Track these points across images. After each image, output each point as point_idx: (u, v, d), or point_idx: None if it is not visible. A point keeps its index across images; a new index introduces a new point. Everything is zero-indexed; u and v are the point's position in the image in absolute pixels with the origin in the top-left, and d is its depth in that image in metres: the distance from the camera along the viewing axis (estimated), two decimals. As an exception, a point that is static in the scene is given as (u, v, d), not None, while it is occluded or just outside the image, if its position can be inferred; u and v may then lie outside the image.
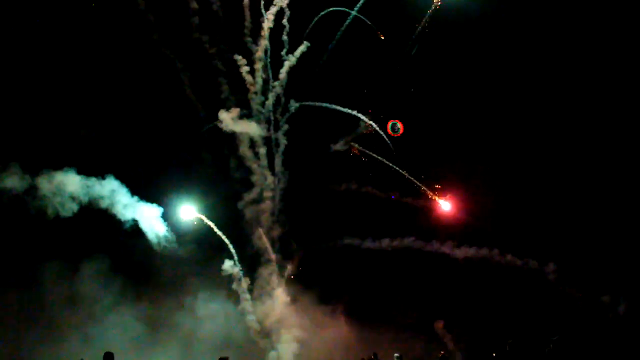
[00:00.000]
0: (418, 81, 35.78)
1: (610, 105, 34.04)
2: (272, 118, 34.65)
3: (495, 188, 35.38)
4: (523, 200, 34.96)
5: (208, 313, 32.00)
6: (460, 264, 34.16)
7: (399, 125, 34.79)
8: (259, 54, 34.01)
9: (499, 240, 33.95)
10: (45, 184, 27.27)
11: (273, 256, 33.58)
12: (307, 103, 34.55)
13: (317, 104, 34.30)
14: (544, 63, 35.11)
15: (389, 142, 34.47)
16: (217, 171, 34.94)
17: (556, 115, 34.95)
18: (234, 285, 32.97)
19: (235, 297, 32.80)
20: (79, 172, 28.33)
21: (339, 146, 35.03)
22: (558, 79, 34.86)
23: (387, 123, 35.09)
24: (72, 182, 27.87)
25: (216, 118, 32.69)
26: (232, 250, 32.97)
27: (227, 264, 32.64)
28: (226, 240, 32.81)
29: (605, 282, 32.29)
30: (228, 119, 32.56)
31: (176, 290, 32.40)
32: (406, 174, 34.81)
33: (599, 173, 34.12)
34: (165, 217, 31.38)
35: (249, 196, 33.98)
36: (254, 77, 34.12)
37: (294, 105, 34.60)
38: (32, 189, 27.09)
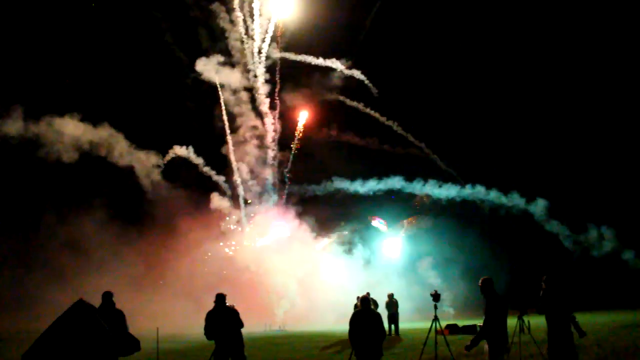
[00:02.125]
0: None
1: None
2: (253, 68, 33.94)
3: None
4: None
5: (202, 252, 32.20)
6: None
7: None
8: (236, 2, 32.96)
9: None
10: (47, 129, 26.64)
11: (253, 194, 33.55)
12: (286, 54, 34.04)
13: (296, 55, 34.03)
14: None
15: (373, 89, 34.52)
16: (202, 118, 34.71)
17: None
18: (223, 226, 33.01)
19: (227, 235, 32.89)
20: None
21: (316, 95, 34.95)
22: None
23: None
24: (73, 129, 27.25)
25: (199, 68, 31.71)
26: (221, 184, 33.07)
27: (216, 199, 32.50)
28: (215, 177, 32.78)
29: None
30: (208, 69, 31.79)
31: (171, 231, 32.31)
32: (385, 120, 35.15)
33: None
34: (159, 162, 31.27)
35: (235, 138, 33.61)
36: (233, 26, 33.22)
37: (273, 55, 34.02)
38: (34, 134, 26.44)
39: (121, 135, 29.32)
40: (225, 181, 33.35)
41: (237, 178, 33.47)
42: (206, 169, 32.88)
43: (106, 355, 9.32)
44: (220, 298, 10.52)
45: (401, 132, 35.40)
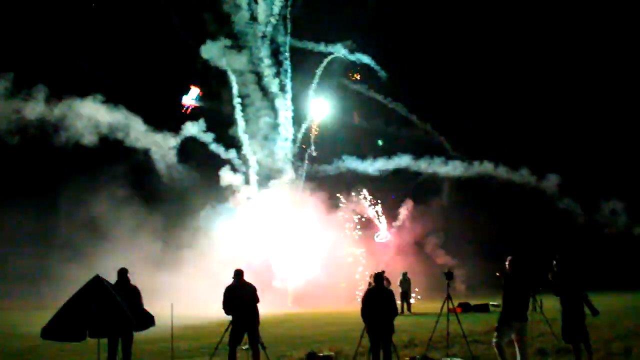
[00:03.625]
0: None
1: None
2: (258, 52, 33.44)
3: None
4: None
5: (217, 230, 32.15)
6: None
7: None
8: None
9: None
10: (67, 111, 26.61)
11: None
12: (289, 39, 33.58)
13: (299, 41, 33.74)
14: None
15: (380, 72, 34.19)
16: (211, 101, 34.54)
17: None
18: (231, 204, 32.88)
19: (239, 211, 32.78)
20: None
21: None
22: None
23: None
24: (91, 111, 27.24)
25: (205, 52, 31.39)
26: (232, 161, 32.84)
27: (226, 174, 32.38)
28: (224, 154, 32.53)
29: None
30: (214, 53, 31.42)
31: (185, 209, 32.61)
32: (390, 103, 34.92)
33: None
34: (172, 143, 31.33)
35: (245, 118, 33.22)
36: (238, 10, 32.53)
37: (279, 39, 33.52)
38: (55, 115, 26.38)
39: (138, 117, 29.19)
40: (238, 158, 33.22)
41: (246, 153, 33.18)
42: (214, 146, 32.66)
43: (122, 330, 9.42)
44: (238, 274, 10.56)
45: (406, 114, 35.18)
